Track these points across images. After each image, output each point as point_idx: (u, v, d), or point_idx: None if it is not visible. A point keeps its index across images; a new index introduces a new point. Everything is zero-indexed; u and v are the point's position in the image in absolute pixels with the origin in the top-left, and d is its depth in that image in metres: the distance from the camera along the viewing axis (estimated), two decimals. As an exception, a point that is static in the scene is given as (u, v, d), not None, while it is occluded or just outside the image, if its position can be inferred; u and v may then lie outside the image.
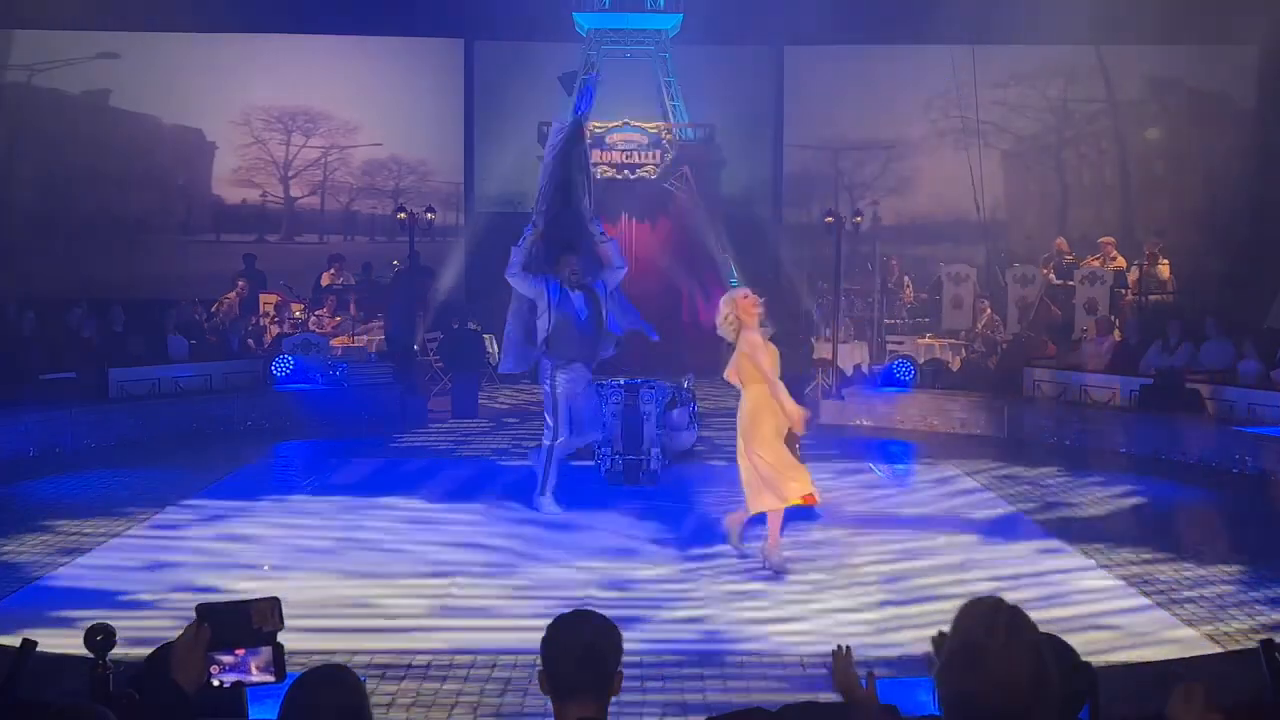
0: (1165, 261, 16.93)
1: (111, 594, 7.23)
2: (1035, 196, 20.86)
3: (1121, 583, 7.70)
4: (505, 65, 20.30)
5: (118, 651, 3.00)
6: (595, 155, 18.99)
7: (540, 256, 9.45)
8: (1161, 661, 6.03)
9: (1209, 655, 6.27)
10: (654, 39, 19.79)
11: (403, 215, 16.70)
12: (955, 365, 15.47)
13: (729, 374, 8.16)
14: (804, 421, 8.04)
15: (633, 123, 19.21)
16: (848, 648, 3.21)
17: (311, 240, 20.46)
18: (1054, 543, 8.75)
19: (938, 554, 8.40)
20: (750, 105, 20.64)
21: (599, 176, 18.98)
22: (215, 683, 2.65)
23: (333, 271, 17.51)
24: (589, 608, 2.92)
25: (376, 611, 7.06)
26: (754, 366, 7.90)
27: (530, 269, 9.34)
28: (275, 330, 16.12)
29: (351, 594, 7.38)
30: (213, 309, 16.19)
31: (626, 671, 2.80)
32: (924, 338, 16.74)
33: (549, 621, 2.82)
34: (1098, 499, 10.26)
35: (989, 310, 16.73)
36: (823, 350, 15.79)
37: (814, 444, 12.80)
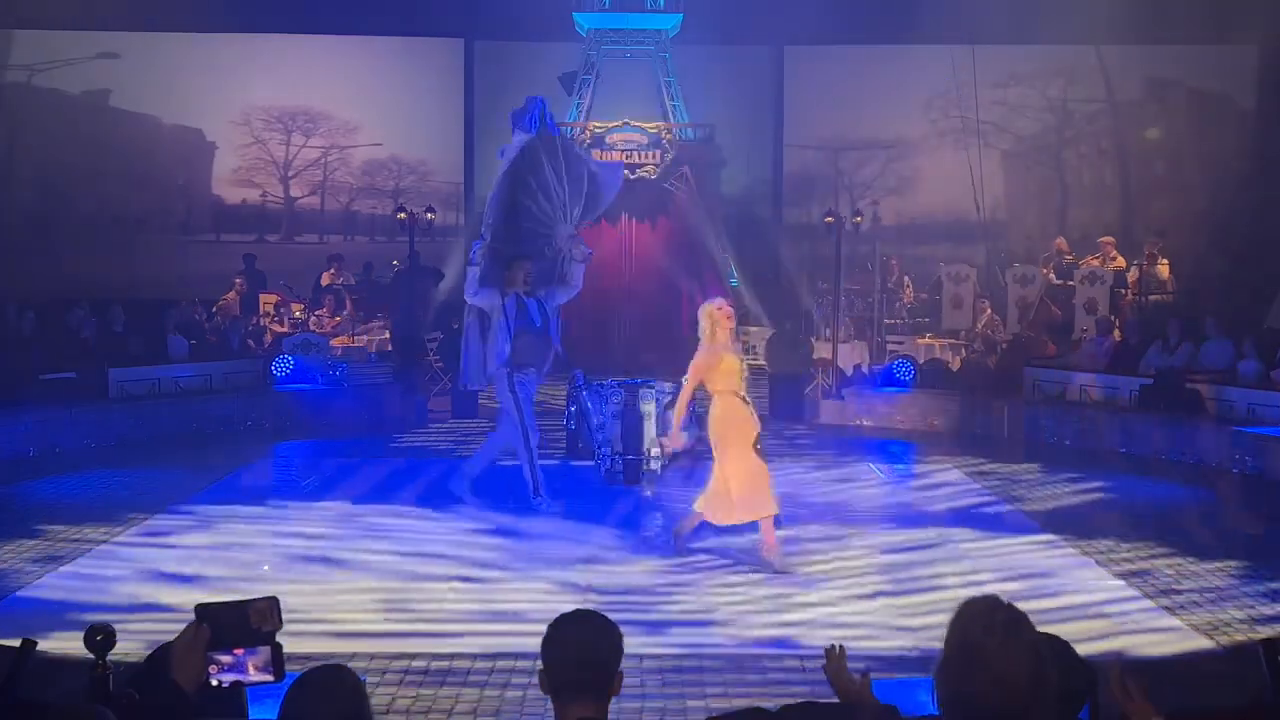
0: (1165, 261, 16.92)
1: (81, 607, 6.80)
2: (1035, 196, 20.86)
3: (1122, 582, 7.74)
4: (505, 65, 20.28)
5: (117, 652, 3.00)
6: (595, 155, 19.04)
7: (493, 268, 9.47)
8: (1162, 661, 6.04)
9: (1209, 655, 6.28)
10: (654, 39, 19.79)
11: (403, 215, 16.69)
12: (955, 365, 15.46)
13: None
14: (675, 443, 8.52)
15: (633, 123, 19.20)
16: (841, 647, 3.21)
17: (311, 240, 20.46)
18: (1046, 536, 8.87)
19: (937, 552, 8.40)
20: (750, 105, 20.64)
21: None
22: (214, 683, 2.65)
23: (333, 271, 17.51)
24: (589, 608, 2.92)
25: (376, 612, 7.06)
26: (716, 374, 7.97)
27: (485, 283, 9.38)
28: (275, 330, 16.12)
29: (352, 595, 7.38)
30: (213, 309, 16.19)
31: (626, 671, 2.80)
32: (924, 338, 16.75)
33: (549, 622, 2.82)
34: (1095, 497, 10.28)
35: (989, 310, 16.73)
36: (823, 350, 15.79)
37: (814, 444, 12.85)
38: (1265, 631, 6.68)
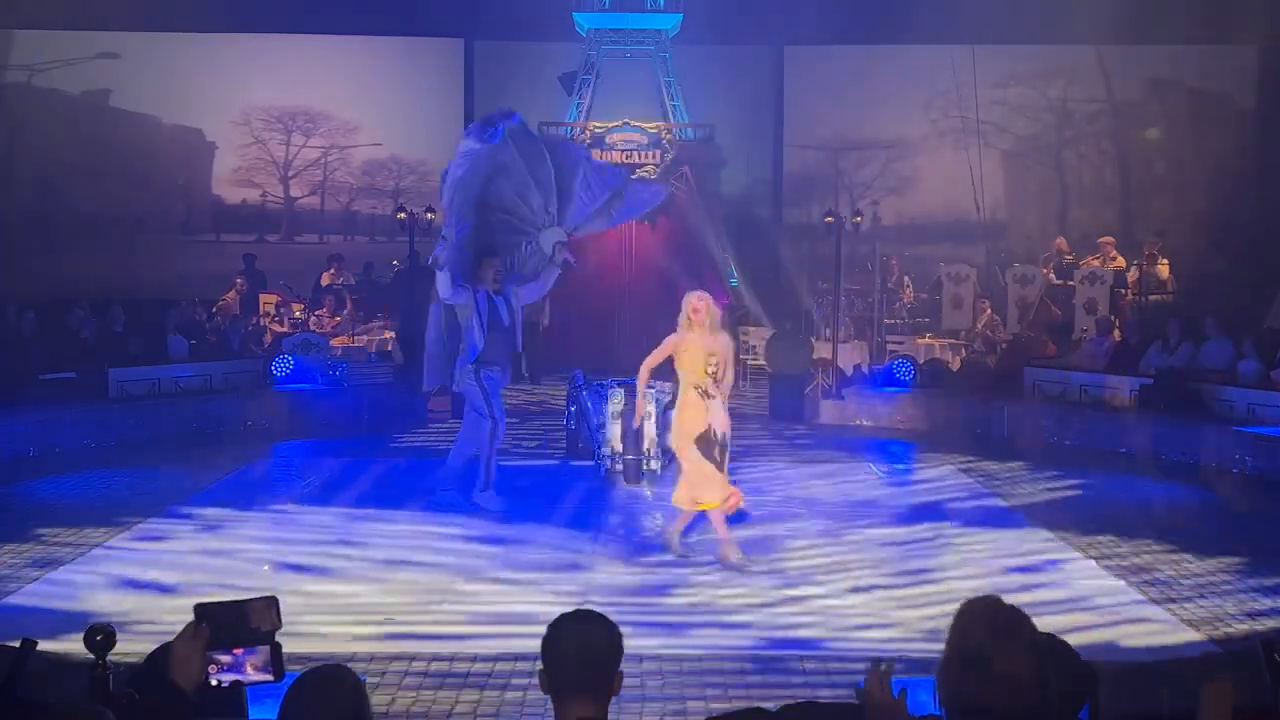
0: (1165, 261, 16.93)
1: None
2: (1035, 196, 20.87)
3: (1109, 574, 7.88)
4: (505, 65, 20.30)
5: (117, 651, 3.00)
6: (595, 155, 19.05)
7: (462, 266, 9.47)
8: (1162, 661, 6.04)
9: (1209, 655, 6.28)
10: (654, 39, 19.78)
11: (403, 215, 16.69)
12: (955, 365, 15.47)
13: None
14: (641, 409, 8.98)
15: (633, 123, 19.21)
16: (888, 664, 3.05)
17: (311, 240, 20.46)
18: (1042, 532, 8.96)
19: (932, 547, 8.40)
20: (750, 105, 20.64)
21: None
22: (214, 682, 2.65)
23: (333, 271, 17.51)
24: (589, 608, 2.92)
25: (376, 612, 7.06)
26: (681, 357, 8.15)
27: (458, 281, 9.38)
28: (275, 330, 16.12)
29: (351, 596, 7.38)
30: (213, 309, 16.19)
31: (626, 671, 2.80)
32: (924, 338, 16.74)
33: (549, 622, 2.82)
34: (1095, 497, 10.28)
35: (989, 310, 16.73)
36: (823, 350, 15.79)
37: (815, 444, 12.85)
38: (1248, 625, 6.91)
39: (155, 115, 20.01)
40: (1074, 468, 11.47)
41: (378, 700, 5.45)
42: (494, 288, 9.43)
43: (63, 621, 6.24)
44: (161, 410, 13.10)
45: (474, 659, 6.22)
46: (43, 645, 3.00)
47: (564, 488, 10.23)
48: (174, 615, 5.85)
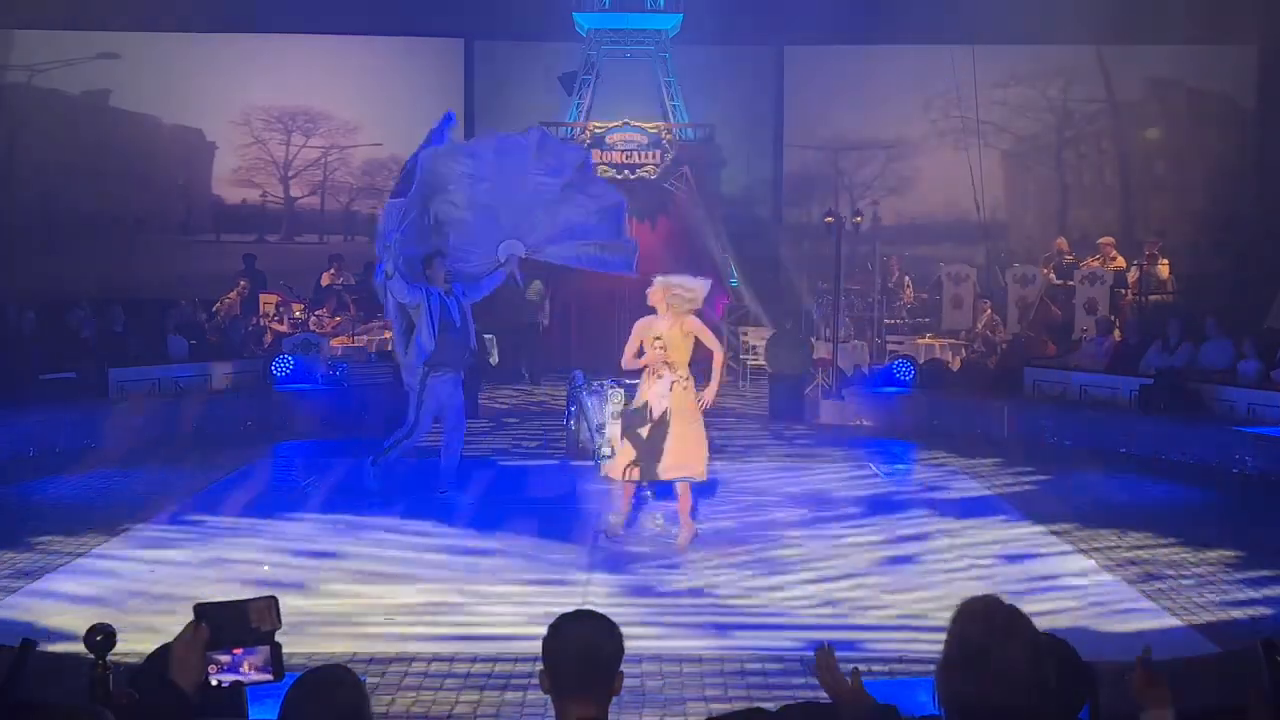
0: (1165, 261, 16.92)
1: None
2: (1035, 196, 20.87)
3: (1094, 563, 8.17)
4: (505, 65, 20.31)
5: (117, 651, 3.00)
6: (595, 155, 19.05)
7: (411, 267, 9.57)
8: (1162, 661, 6.02)
9: (1209, 655, 6.28)
10: (654, 39, 19.78)
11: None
12: (955, 365, 15.46)
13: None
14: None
15: (633, 123, 19.20)
16: (830, 646, 3.21)
17: (311, 240, 20.46)
18: (1036, 526, 9.12)
19: (938, 550, 8.40)
20: (750, 105, 20.64)
21: (599, 176, 19.01)
22: (214, 682, 2.65)
23: (333, 271, 17.50)
24: (589, 607, 2.92)
25: (376, 612, 7.06)
26: (689, 346, 8.60)
27: (411, 280, 9.49)
28: (275, 330, 16.11)
29: (352, 596, 7.38)
30: (213, 309, 16.19)
31: (626, 671, 2.80)
32: (924, 338, 16.74)
33: (550, 622, 2.82)
34: (1093, 495, 10.29)
35: (989, 310, 16.73)
36: (823, 350, 15.79)
37: (815, 444, 12.85)
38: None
39: (155, 115, 20.01)
40: (1073, 468, 11.50)
41: (378, 701, 5.45)
42: (444, 288, 9.53)
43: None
44: (161, 410, 13.07)
45: (474, 659, 6.22)
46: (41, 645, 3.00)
47: (564, 488, 10.22)
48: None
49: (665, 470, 8.54)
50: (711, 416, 13.70)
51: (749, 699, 5.66)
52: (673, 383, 8.50)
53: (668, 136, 19.19)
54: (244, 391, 14.12)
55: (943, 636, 2.49)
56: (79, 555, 8.16)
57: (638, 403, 8.61)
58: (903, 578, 7.78)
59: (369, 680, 4.11)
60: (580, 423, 11.43)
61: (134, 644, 3.13)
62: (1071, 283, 16.79)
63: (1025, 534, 9.03)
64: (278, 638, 2.70)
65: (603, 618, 2.83)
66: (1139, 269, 16.42)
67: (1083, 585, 7.70)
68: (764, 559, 8.21)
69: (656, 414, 8.43)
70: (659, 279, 8.70)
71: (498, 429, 13.69)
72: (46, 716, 2.48)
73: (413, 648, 6.40)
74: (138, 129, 19.94)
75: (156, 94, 19.71)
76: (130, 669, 3.23)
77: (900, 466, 11.80)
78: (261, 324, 16.27)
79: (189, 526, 8.98)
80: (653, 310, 8.63)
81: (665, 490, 9.16)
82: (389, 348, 15.88)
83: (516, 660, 6.08)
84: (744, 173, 20.74)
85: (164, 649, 2.79)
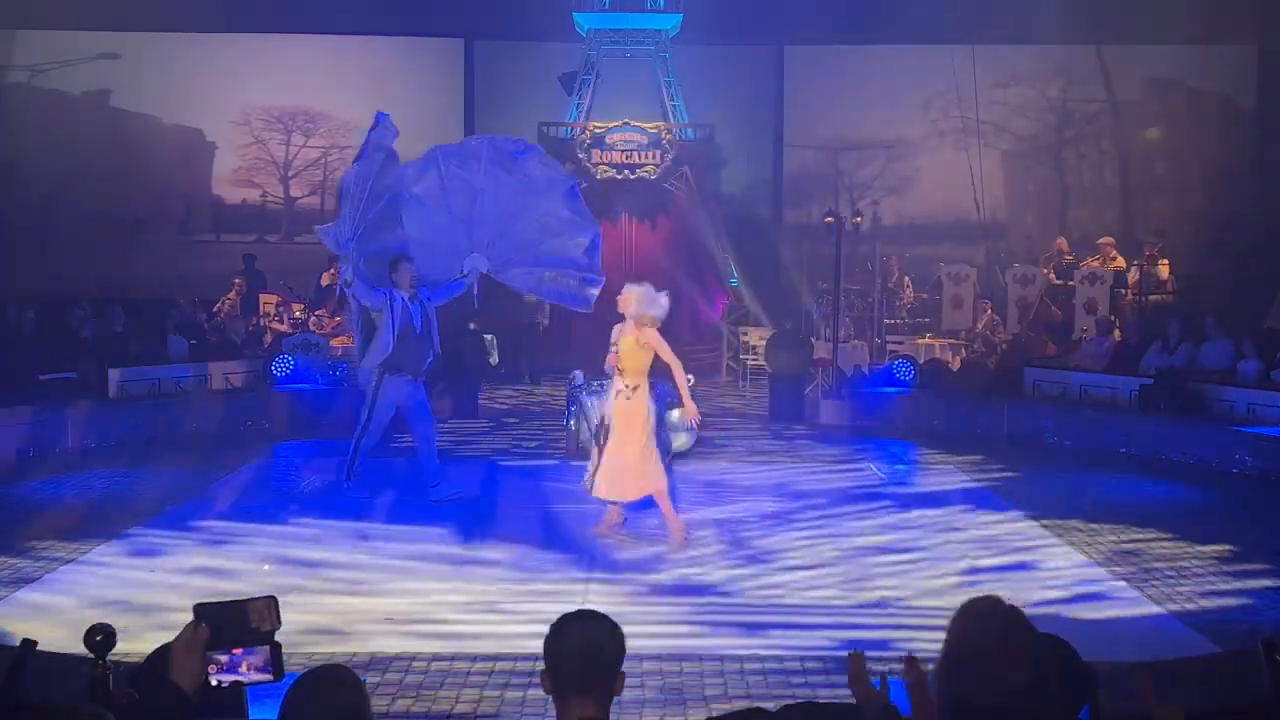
0: (1165, 261, 16.93)
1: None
2: (1035, 196, 20.88)
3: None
4: (505, 65, 20.32)
5: (117, 651, 3.00)
6: (595, 155, 19.09)
7: (373, 272, 9.61)
8: (1162, 661, 6.03)
9: (1209, 655, 6.29)
10: (654, 39, 19.79)
11: (403, 215, 16.67)
12: (955, 365, 15.46)
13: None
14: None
15: (633, 123, 19.21)
16: (861, 652, 3.17)
17: (311, 240, 20.35)
18: (1029, 521, 9.16)
19: (937, 552, 8.40)
20: (750, 105, 20.66)
21: (599, 176, 19.05)
22: (214, 682, 2.65)
23: (333, 271, 17.47)
24: (590, 607, 2.92)
25: (377, 612, 7.06)
26: (646, 357, 8.54)
27: (375, 283, 9.54)
28: (275, 330, 16.11)
29: (352, 595, 7.38)
30: (213, 309, 16.19)
31: (627, 670, 2.80)
32: (924, 338, 16.75)
33: (550, 621, 2.82)
34: (1092, 494, 10.31)
35: (989, 310, 16.74)
36: (823, 350, 15.78)
37: (814, 444, 12.85)
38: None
39: (155, 115, 20.02)
40: (1072, 468, 11.53)
41: (377, 700, 5.45)
42: (409, 292, 9.55)
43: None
44: (161, 410, 13.07)
45: (474, 659, 6.22)
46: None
47: (563, 487, 10.21)
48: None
49: (597, 489, 8.62)
50: (712, 416, 13.83)
51: (749, 699, 5.66)
52: (618, 392, 8.51)
53: (668, 136, 19.19)
54: (244, 391, 14.11)
55: (938, 634, 2.49)
56: (68, 561, 8.04)
57: (599, 420, 8.74)
58: (893, 572, 7.78)
59: (369, 680, 4.11)
60: (580, 423, 11.43)
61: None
62: (1071, 283, 16.79)
63: (1020, 528, 9.15)
64: (277, 638, 2.70)
65: (604, 618, 2.83)
66: (1139, 269, 16.42)
67: (1069, 574, 7.91)
68: (762, 557, 8.21)
69: (606, 422, 8.58)
70: (630, 286, 8.66)
71: (498, 429, 13.69)
72: (46, 716, 2.48)
73: (413, 648, 6.40)
74: (138, 129, 19.94)
75: (156, 94, 19.73)
76: (130, 669, 3.23)
77: (899, 467, 11.80)
78: (261, 324, 16.27)
79: (185, 530, 8.92)
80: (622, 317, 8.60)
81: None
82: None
83: (517, 660, 6.08)
84: (744, 173, 20.76)
85: (164, 649, 2.79)
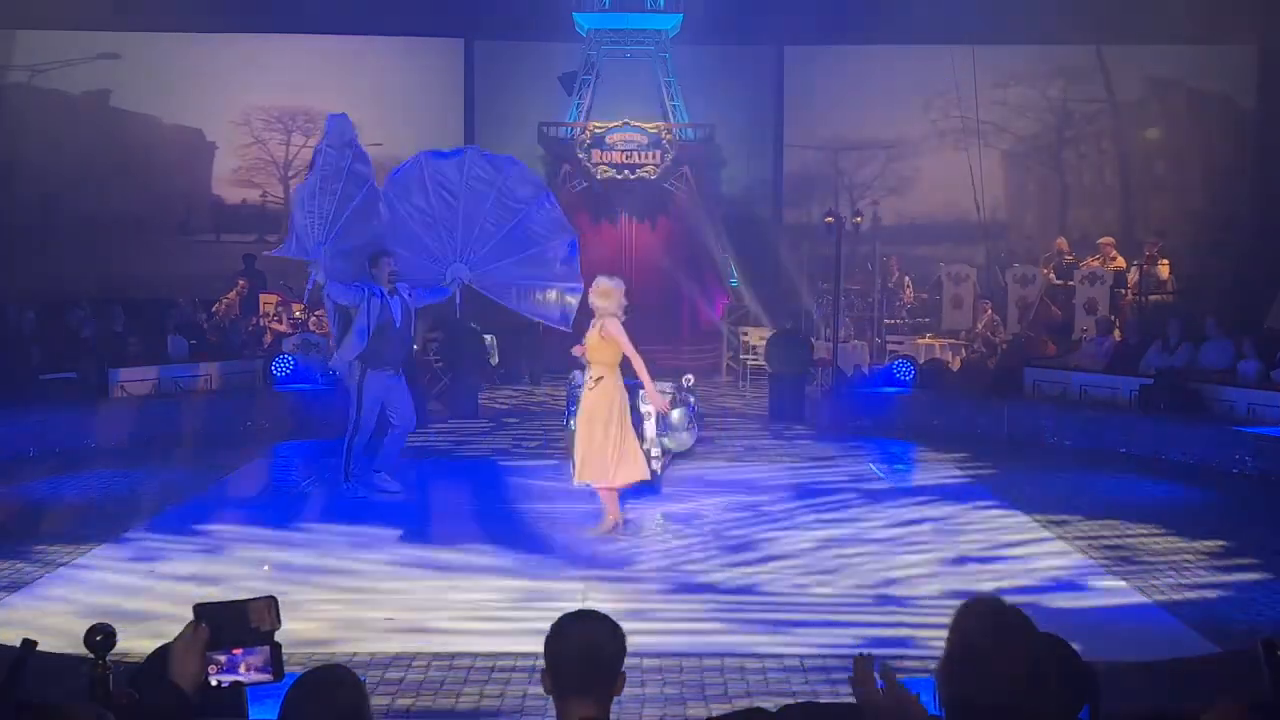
0: (1165, 261, 16.94)
1: None
2: (1035, 196, 20.89)
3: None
4: (505, 65, 20.31)
5: (117, 651, 3.00)
6: (595, 155, 19.08)
7: (348, 270, 9.69)
8: (1161, 661, 6.03)
9: (1209, 655, 6.29)
10: (654, 39, 19.79)
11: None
12: (955, 365, 15.46)
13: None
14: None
15: (633, 123, 19.21)
16: (871, 655, 3.15)
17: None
18: (1024, 516, 9.31)
19: (928, 546, 8.41)
20: (750, 105, 20.66)
21: (599, 176, 19.06)
22: (214, 683, 2.65)
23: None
24: (590, 607, 2.92)
25: (377, 613, 7.06)
26: (611, 349, 8.64)
27: (351, 279, 9.61)
28: (275, 330, 16.11)
29: (352, 596, 7.38)
30: (213, 309, 16.19)
31: (626, 670, 2.80)
32: (924, 338, 16.75)
33: (551, 621, 2.82)
34: (1093, 493, 10.32)
35: (989, 310, 16.74)
36: (823, 350, 15.78)
37: (814, 444, 12.84)
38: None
39: (155, 115, 20.03)
40: (1072, 468, 11.54)
41: (377, 700, 5.45)
42: (388, 287, 9.62)
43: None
44: (161, 410, 13.07)
45: (474, 659, 6.22)
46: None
47: (562, 487, 10.21)
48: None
49: (579, 474, 8.77)
50: (712, 416, 13.84)
51: (749, 699, 5.66)
52: (582, 384, 8.71)
53: (668, 136, 19.19)
54: (244, 391, 14.11)
55: (927, 630, 2.50)
56: (65, 564, 7.98)
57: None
58: (902, 583, 7.78)
59: (369, 680, 4.10)
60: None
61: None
62: (1071, 283, 16.80)
63: (1013, 523, 9.28)
64: (277, 638, 2.70)
65: (605, 618, 2.83)
66: (1139, 269, 16.43)
67: (1056, 565, 8.11)
68: (761, 557, 8.21)
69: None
70: (598, 279, 8.87)
71: (498, 429, 13.68)
72: (46, 716, 2.48)
73: (413, 647, 6.40)
74: (138, 129, 19.95)
75: (156, 94, 19.73)
76: (130, 669, 3.23)
77: (899, 466, 11.81)
78: (261, 324, 16.27)
79: (185, 531, 8.89)
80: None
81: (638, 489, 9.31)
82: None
83: (516, 660, 6.08)
84: (744, 173, 20.76)
85: (164, 649, 2.79)
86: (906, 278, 18.18)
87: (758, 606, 7.20)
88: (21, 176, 19.54)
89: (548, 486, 10.43)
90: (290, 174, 20.60)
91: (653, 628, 6.65)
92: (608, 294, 8.65)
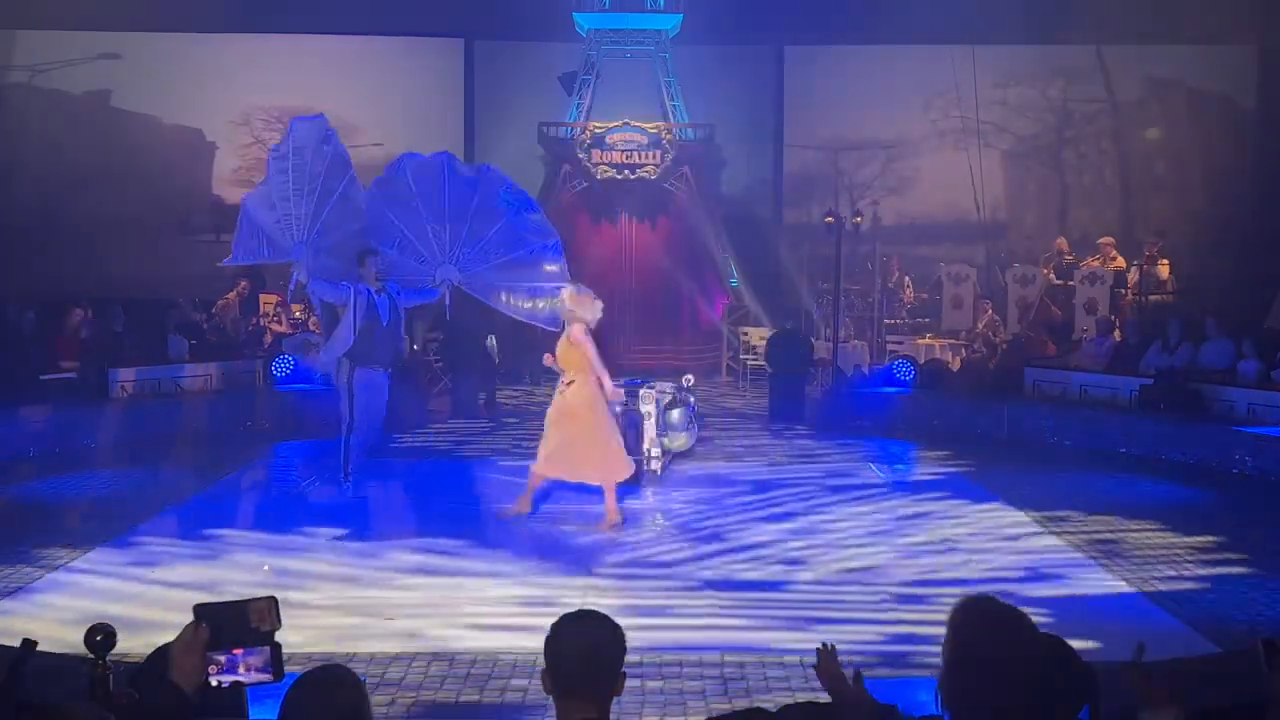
0: (1165, 261, 16.94)
1: None
2: (1035, 196, 20.89)
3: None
4: (505, 65, 20.32)
5: (117, 651, 3.00)
6: (595, 155, 19.08)
7: (332, 268, 9.75)
8: (1161, 661, 6.04)
9: (1209, 655, 6.28)
10: (654, 39, 19.80)
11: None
12: (955, 365, 15.46)
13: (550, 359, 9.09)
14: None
15: (633, 123, 19.22)
16: (832, 645, 3.22)
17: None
18: (1019, 514, 9.06)
19: (940, 558, 8.41)
20: (750, 105, 20.67)
21: (599, 176, 19.07)
22: (214, 683, 2.65)
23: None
24: (590, 608, 2.92)
25: (377, 612, 7.06)
26: (579, 354, 8.80)
27: (338, 278, 9.67)
28: (275, 330, 16.11)
29: (351, 596, 7.38)
30: (213, 309, 16.18)
31: (626, 670, 2.80)
32: (924, 338, 16.75)
33: (551, 621, 2.82)
34: (1092, 493, 10.32)
35: (989, 310, 16.74)
36: (823, 350, 15.78)
37: (814, 444, 12.85)
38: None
39: (155, 115, 20.03)
40: (1071, 468, 11.54)
41: (377, 700, 5.45)
42: (376, 285, 9.65)
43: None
44: (161, 410, 13.06)
45: (474, 659, 6.22)
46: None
47: (562, 487, 10.21)
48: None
49: (539, 467, 9.14)
50: (712, 416, 13.84)
51: (749, 699, 5.65)
52: (556, 386, 9.03)
53: (668, 136, 19.20)
54: (244, 391, 14.11)
55: (935, 628, 2.50)
56: (59, 566, 7.92)
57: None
58: (902, 586, 7.79)
59: (369, 680, 4.10)
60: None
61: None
62: (1071, 283, 16.80)
63: (1005, 518, 9.40)
64: (277, 638, 2.70)
65: (605, 618, 2.83)
66: (1139, 269, 16.42)
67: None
68: (760, 557, 8.21)
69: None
70: (565, 286, 9.27)
71: (498, 429, 13.69)
72: (46, 716, 2.48)
73: (413, 647, 6.40)
74: (138, 129, 19.95)
75: (156, 94, 19.73)
76: (130, 669, 3.23)
77: (899, 467, 11.80)
78: (261, 324, 16.27)
79: (184, 532, 8.86)
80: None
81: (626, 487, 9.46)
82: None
83: (516, 660, 6.08)
84: (744, 173, 20.77)
85: (164, 649, 2.79)
86: (906, 278, 18.18)
87: (758, 606, 7.20)
88: (21, 177, 19.54)
89: (548, 487, 10.41)
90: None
91: (653, 627, 6.65)
92: (576, 302, 8.91)
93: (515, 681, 5.87)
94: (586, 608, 2.93)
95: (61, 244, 18.91)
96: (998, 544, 8.64)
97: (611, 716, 2.77)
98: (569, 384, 8.89)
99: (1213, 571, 7.92)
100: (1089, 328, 15.41)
